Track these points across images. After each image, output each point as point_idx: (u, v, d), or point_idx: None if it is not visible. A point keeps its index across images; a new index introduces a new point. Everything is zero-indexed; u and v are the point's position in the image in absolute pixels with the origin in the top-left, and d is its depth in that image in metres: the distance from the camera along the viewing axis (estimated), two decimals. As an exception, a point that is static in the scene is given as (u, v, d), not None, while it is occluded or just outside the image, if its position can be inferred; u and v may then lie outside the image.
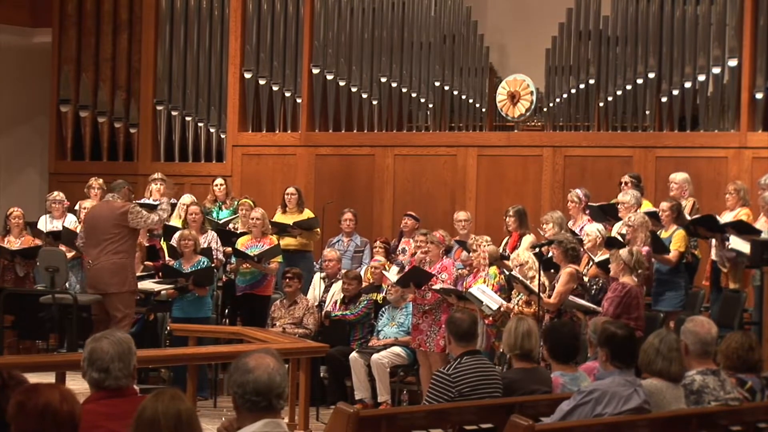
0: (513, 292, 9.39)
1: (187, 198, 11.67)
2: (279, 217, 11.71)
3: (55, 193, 11.97)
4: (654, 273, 9.56)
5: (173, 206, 11.71)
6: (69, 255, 10.71)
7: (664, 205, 9.74)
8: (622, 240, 9.38)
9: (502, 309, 9.21)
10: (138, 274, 10.20)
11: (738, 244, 9.26)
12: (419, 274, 9.64)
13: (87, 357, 4.14)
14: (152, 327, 10.40)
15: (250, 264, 10.65)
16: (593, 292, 9.05)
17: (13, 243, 11.29)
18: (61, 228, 11.46)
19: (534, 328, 6.13)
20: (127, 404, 3.79)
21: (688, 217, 9.82)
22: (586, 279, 9.21)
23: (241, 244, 10.84)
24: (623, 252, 8.61)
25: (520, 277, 9.08)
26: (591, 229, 9.68)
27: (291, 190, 11.86)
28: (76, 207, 11.63)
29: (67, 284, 10.56)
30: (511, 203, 10.88)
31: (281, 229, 11.39)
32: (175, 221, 11.41)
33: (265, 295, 10.78)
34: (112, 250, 9.44)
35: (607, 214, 10.20)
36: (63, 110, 14.63)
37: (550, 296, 8.95)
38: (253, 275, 10.73)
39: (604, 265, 9.02)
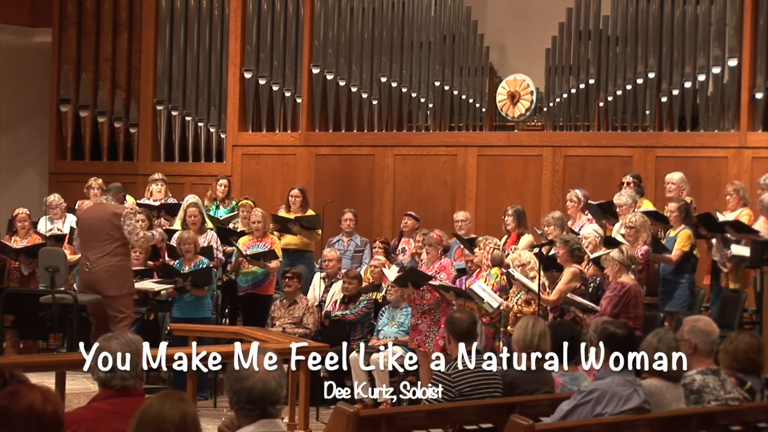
0: (511, 291, 9.37)
1: (189, 198, 11.63)
2: (282, 214, 11.66)
3: (51, 197, 11.90)
4: (660, 273, 9.57)
5: (176, 207, 11.71)
6: (74, 257, 10.67)
7: (672, 205, 9.74)
8: (622, 240, 9.37)
9: (501, 308, 9.22)
10: (135, 269, 10.17)
11: (740, 250, 9.26)
12: (416, 275, 9.64)
13: (94, 356, 4.17)
14: (152, 327, 10.39)
15: (249, 262, 10.65)
16: (591, 290, 9.06)
17: (20, 243, 11.28)
18: (62, 228, 11.47)
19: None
20: (134, 404, 3.80)
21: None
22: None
23: (242, 243, 10.84)
24: (614, 253, 8.62)
25: (519, 275, 9.05)
26: (588, 231, 9.68)
27: (295, 192, 11.64)
28: (76, 206, 11.61)
29: (75, 285, 10.55)
30: (511, 203, 10.88)
31: (282, 225, 11.36)
32: (176, 223, 11.41)
33: (267, 295, 10.79)
34: (110, 252, 9.42)
35: (606, 212, 10.20)
36: (63, 110, 14.63)
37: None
38: (254, 275, 10.74)
39: (599, 262, 9.01)
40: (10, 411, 3.49)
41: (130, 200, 11.77)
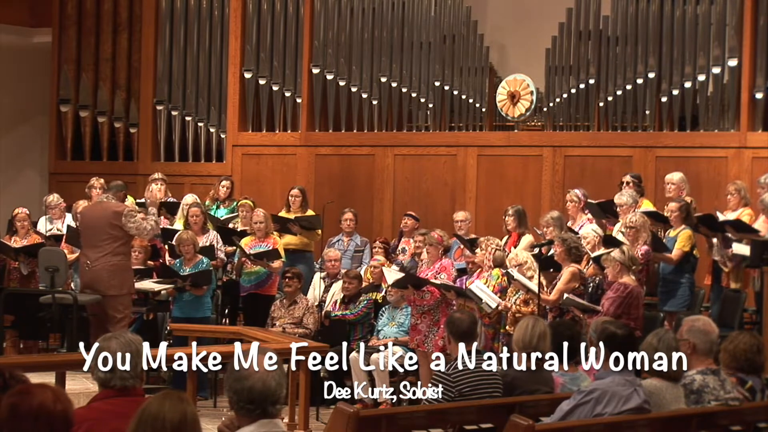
0: (510, 291, 9.36)
1: (188, 198, 11.65)
2: (282, 214, 11.66)
3: (51, 197, 11.92)
4: (659, 273, 9.57)
5: (175, 205, 11.71)
6: (72, 256, 10.68)
7: (673, 205, 9.73)
8: (622, 239, 9.37)
9: (500, 308, 9.21)
10: (135, 268, 10.18)
11: (741, 249, 9.26)
12: (414, 279, 9.64)
13: (94, 356, 4.18)
14: (152, 327, 10.39)
15: (253, 262, 10.66)
16: (590, 289, 9.06)
17: (20, 243, 11.28)
18: (62, 228, 11.47)
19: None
20: (133, 404, 3.81)
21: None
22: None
23: (245, 244, 10.84)
24: (615, 253, 8.61)
25: (518, 276, 9.05)
26: (587, 231, 9.68)
27: (295, 191, 11.70)
28: (73, 207, 11.60)
29: (72, 285, 10.55)
30: (511, 203, 10.88)
31: (282, 225, 11.36)
32: (178, 222, 11.42)
33: (270, 295, 10.79)
34: (110, 252, 9.41)
35: (606, 211, 10.21)
36: (63, 110, 14.63)
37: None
38: (257, 275, 10.74)
39: (599, 262, 9.01)
40: (21, 409, 3.50)
41: (129, 200, 11.78)
